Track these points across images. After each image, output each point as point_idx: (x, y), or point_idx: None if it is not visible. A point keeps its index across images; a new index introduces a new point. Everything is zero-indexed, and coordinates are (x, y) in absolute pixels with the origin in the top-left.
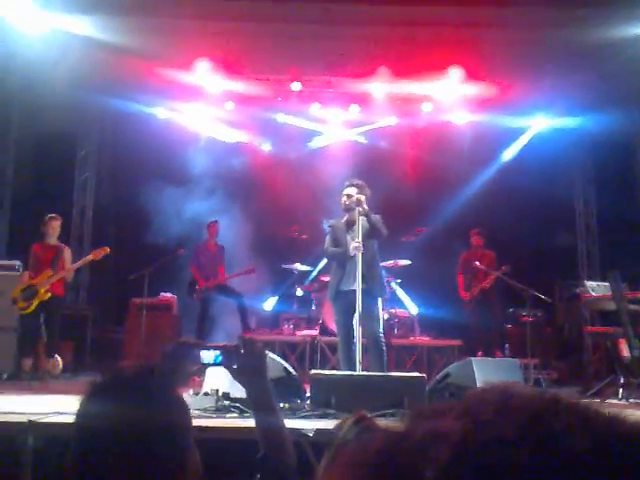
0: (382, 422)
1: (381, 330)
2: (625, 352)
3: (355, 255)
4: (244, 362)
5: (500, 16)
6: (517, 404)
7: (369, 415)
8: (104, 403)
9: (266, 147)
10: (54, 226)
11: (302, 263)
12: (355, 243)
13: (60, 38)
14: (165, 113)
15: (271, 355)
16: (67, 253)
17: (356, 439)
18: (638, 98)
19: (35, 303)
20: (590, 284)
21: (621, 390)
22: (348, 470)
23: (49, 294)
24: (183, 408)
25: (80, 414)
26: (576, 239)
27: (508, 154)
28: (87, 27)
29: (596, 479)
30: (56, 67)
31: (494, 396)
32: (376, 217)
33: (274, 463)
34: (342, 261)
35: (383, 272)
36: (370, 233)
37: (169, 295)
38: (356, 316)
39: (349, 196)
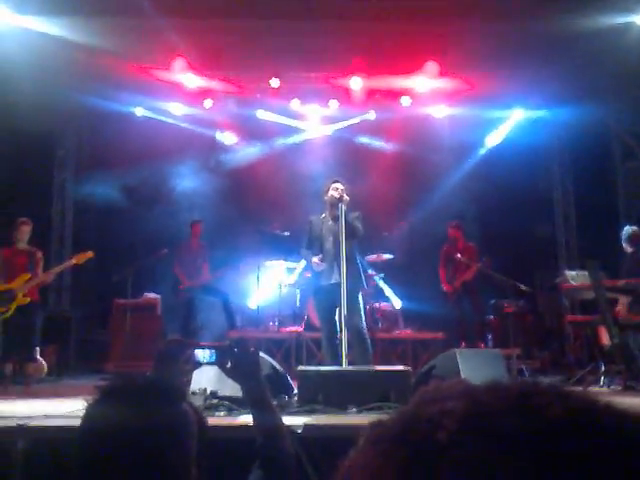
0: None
1: (364, 323)
2: (605, 340)
3: (332, 250)
4: (238, 361)
5: (474, 9)
6: (504, 387)
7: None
8: (113, 408)
9: (246, 144)
10: (25, 231)
11: (286, 260)
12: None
13: (34, 39)
14: (143, 112)
15: (259, 353)
16: (40, 257)
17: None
18: (613, 88)
19: (13, 307)
20: (569, 273)
21: (602, 377)
22: (372, 446)
23: (28, 298)
24: (190, 420)
25: (87, 418)
26: (555, 229)
27: (487, 146)
28: (61, 29)
29: (566, 440)
30: (31, 67)
31: (484, 384)
32: (354, 215)
33: (272, 450)
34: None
35: (362, 267)
36: (348, 232)
37: (153, 295)
38: (341, 310)
39: (336, 190)
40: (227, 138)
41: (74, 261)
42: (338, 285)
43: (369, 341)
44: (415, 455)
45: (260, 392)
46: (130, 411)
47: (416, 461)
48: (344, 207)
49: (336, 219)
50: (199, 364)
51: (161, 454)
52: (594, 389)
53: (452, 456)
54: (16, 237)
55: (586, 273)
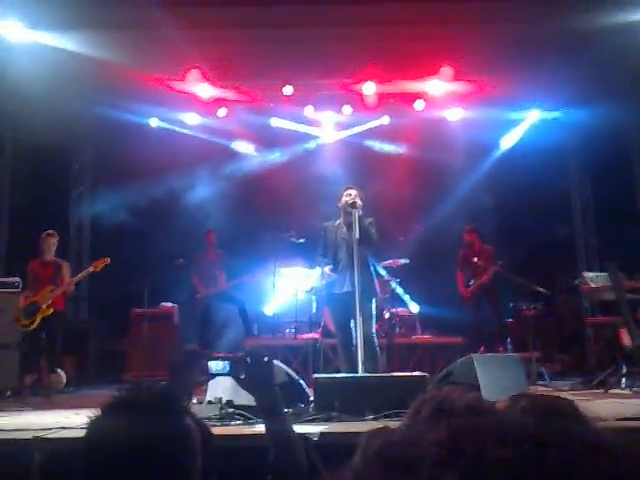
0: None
1: (373, 331)
2: (626, 341)
3: (345, 258)
4: (251, 372)
5: (487, 11)
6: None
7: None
8: (113, 424)
9: (261, 152)
10: (51, 243)
11: (302, 266)
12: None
13: (49, 54)
14: (158, 123)
15: (274, 361)
16: (66, 268)
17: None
18: (631, 87)
19: (38, 319)
20: (589, 275)
21: (624, 379)
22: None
23: (51, 309)
24: (193, 435)
25: (89, 433)
26: (573, 230)
27: (503, 148)
28: (75, 43)
29: None
30: (46, 82)
31: (459, 453)
32: (368, 222)
33: (285, 464)
34: (333, 265)
35: (375, 273)
36: (361, 238)
37: (169, 305)
38: (357, 317)
39: (349, 196)
40: (242, 147)
41: (92, 269)
42: (350, 293)
43: (378, 349)
44: None
45: (273, 404)
46: (131, 427)
47: None
48: (357, 213)
49: (350, 226)
50: (213, 375)
51: (161, 470)
52: (615, 391)
53: None
54: (43, 249)
55: (605, 274)
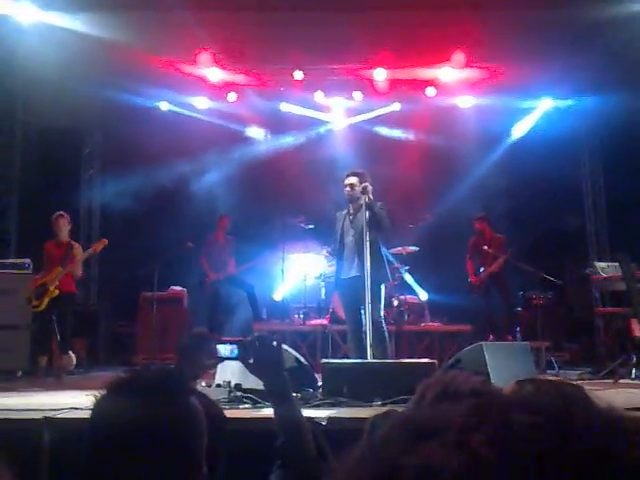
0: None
1: (381, 314)
2: (637, 332)
3: (352, 243)
4: (260, 356)
5: None
6: (515, 436)
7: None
8: (118, 404)
9: (270, 137)
10: (61, 224)
11: (310, 252)
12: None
13: (60, 35)
14: (168, 106)
15: (283, 346)
16: (76, 249)
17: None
18: None
19: (45, 300)
20: (600, 265)
21: (634, 370)
22: None
23: (57, 291)
24: (198, 416)
25: (94, 413)
26: (584, 220)
27: (514, 136)
28: (86, 24)
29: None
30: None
31: (485, 419)
32: (379, 207)
33: (294, 449)
34: (339, 250)
35: (386, 259)
36: (372, 224)
37: (179, 288)
38: (366, 302)
39: (352, 186)
40: (252, 131)
41: (92, 250)
42: (357, 278)
43: (386, 334)
44: None
45: (282, 388)
46: (135, 407)
47: None
48: (367, 199)
49: (358, 211)
50: (221, 359)
51: (164, 451)
52: (625, 381)
53: None
54: (55, 231)
55: (616, 264)
